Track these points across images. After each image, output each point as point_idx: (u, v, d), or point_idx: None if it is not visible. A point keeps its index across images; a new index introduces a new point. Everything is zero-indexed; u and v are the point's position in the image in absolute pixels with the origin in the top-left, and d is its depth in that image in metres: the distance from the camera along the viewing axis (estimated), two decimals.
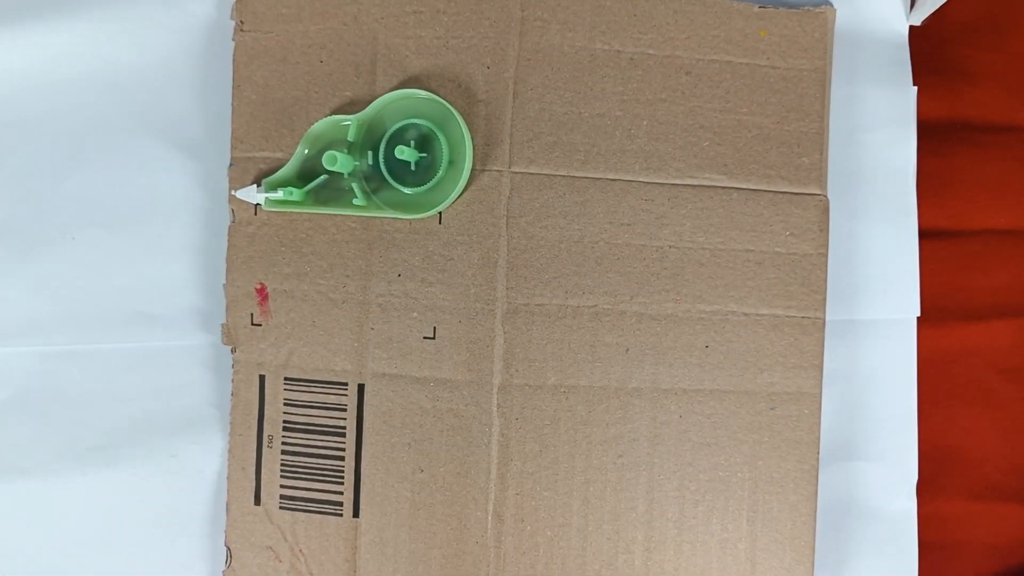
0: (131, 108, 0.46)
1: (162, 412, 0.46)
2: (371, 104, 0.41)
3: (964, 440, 0.46)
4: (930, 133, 0.46)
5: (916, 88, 0.45)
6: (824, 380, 0.42)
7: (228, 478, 0.44)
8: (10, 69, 0.45)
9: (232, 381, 0.43)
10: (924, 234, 0.45)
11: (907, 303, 0.45)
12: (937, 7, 0.43)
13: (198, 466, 0.45)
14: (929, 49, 0.46)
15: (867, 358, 0.45)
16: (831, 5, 0.43)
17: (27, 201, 0.46)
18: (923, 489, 0.45)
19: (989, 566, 0.46)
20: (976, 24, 0.47)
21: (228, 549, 0.44)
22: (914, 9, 0.45)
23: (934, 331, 0.45)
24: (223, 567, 0.44)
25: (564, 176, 0.42)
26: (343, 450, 0.43)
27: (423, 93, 0.41)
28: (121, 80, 0.46)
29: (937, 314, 0.45)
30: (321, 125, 0.41)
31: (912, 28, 0.45)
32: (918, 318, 0.45)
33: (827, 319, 0.42)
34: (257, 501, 0.43)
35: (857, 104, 0.45)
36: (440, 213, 0.42)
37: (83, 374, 0.46)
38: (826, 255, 0.42)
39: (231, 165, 0.43)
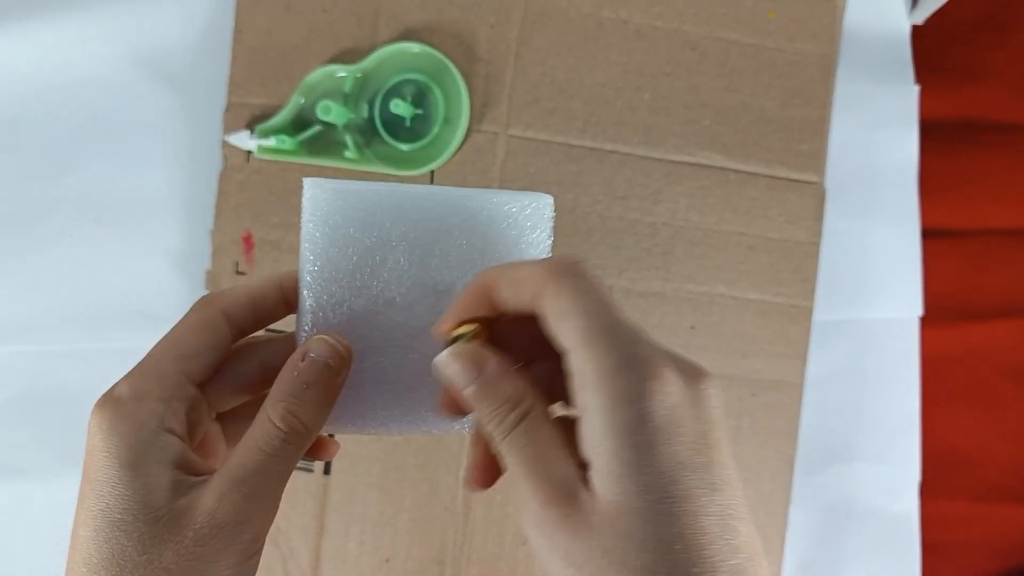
0: (129, 107, 0.45)
1: None
2: (370, 56, 0.40)
3: (967, 441, 0.46)
4: (934, 132, 0.45)
5: (918, 87, 0.45)
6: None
7: None
8: (9, 69, 0.45)
9: None
10: (928, 233, 0.45)
11: (910, 302, 0.44)
12: (939, 6, 0.43)
13: None
14: (932, 48, 0.45)
15: (870, 357, 0.44)
16: None
17: (25, 200, 0.46)
18: (926, 490, 0.44)
19: (991, 567, 0.46)
20: (978, 23, 0.46)
21: None
22: (916, 8, 0.44)
23: (937, 331, 0.45)
24: None
25: (561, 143, 0.41)
26: None
27: (422, 47, 0.41)
28: (119, 79, 0.45)
29: (941, 314, 0.45)
30: (318, 75, 0.41)
31: (915, 27, 0.45)
32: (921, 317, 0.44)
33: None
34: None
35: (859, 103, 0.45)
36: (432, 172, 0.41)
37: (82, 374, 0.45)
38: (819, 244, 0.41)
39: (226, 110, 0.43)
